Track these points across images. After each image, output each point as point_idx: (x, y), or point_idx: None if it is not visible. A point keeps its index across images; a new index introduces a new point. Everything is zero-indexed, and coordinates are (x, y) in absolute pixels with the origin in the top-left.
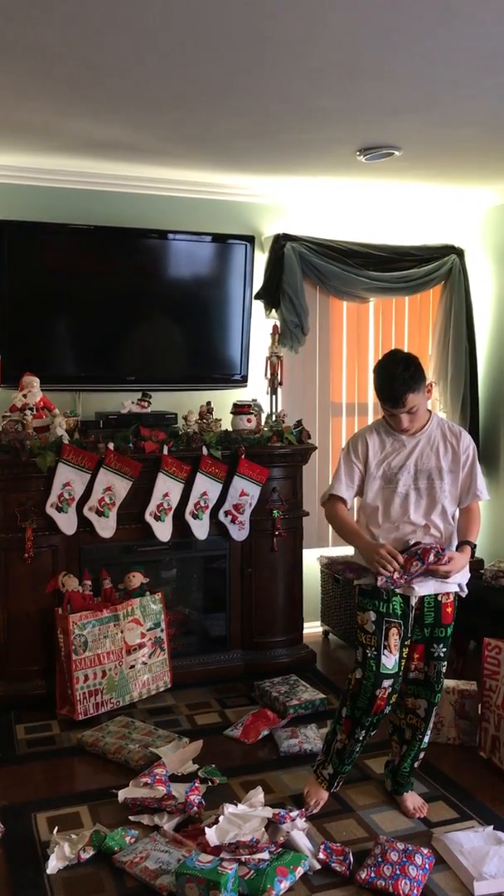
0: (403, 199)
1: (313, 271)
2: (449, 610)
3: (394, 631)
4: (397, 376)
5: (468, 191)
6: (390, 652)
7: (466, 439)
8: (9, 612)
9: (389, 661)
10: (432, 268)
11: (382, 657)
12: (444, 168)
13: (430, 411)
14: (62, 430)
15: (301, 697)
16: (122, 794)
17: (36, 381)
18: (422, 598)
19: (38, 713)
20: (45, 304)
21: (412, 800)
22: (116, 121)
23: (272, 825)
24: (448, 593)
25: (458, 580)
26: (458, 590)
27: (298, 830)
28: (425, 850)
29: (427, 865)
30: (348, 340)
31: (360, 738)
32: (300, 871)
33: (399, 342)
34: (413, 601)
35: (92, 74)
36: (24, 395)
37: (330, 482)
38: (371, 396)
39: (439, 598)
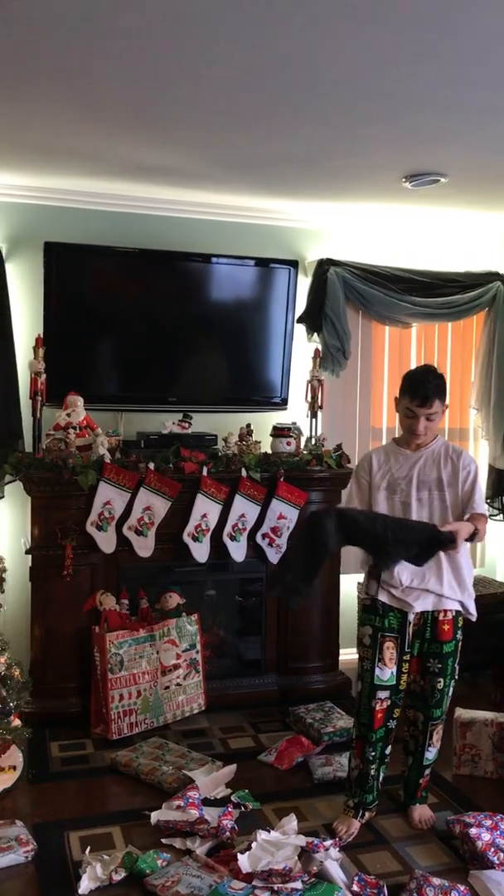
0: (448, 224)
1: (356, 296)
2: (446, 627)
3: (389, 645)
4: (430, 380)
5: None
6: (385, 665)
7: (468, 458)
8: (46, 629)
9: (384, 673)
10: (476, 294)
11: (377, 669)
12: (489, 195)
13: (437, 435)
14: (104, 449)
15: (336, 725)
16: (155, 816)
17: (80, 401)
18: (422, 614)
19: (72, 731)
20: (90, 325)
21: (420, 812)
22: (163, 146)
23: (305, 854)
24: (447, 611)
25: (462, 600)
26: (459, 608)
27: (332, 860)
28: (462, 888)
29: None
30: (390, 365)
31: (371, 759)
32: None
33: (441, 368)
34: (411, 616)
35: (140, 101)
36: (68, 414)
37: (344, 503)
38: None
39: (437, 614)
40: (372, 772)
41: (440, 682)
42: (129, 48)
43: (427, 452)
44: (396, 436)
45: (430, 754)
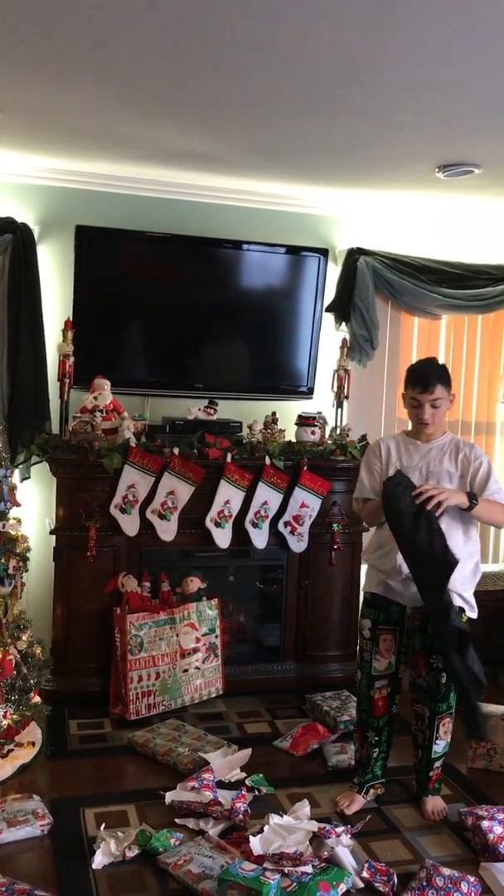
0: (480, 216)
1: (385, 286)
2: None
3: (385, 637)
4: (432, 366)
5: None
6: (381, 656)
7: (479, 451)
8: (68, 609)
9: (381, 664)
10: None
11: (374, 661)
12: None
13: (446, 431)
14: (130, 432)
15: (352, 713)
16: (170, 797)
17: (107, 384)
18: (423, 609)
19: (91, 710)
20: (118, 309)
21: (432, 803)
22: (198, 132)
23: (317, 839)
24: None
25: (461, 592)
26: (461, 603)
27: (343, 847)
28: (472, 879)
29: (473, 894)
30: (418, 356)
31: (374, 743)
32: (343, 888)
33: (470, 361)
34: (408, 611)
35: (177, 86)
36: (95, 398)
37: (356, 490)
38: None
39: None
40: (374, 754)
41: (444, 676)
42: (166, 35)
43: (437, 445)
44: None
45: (438, 747)
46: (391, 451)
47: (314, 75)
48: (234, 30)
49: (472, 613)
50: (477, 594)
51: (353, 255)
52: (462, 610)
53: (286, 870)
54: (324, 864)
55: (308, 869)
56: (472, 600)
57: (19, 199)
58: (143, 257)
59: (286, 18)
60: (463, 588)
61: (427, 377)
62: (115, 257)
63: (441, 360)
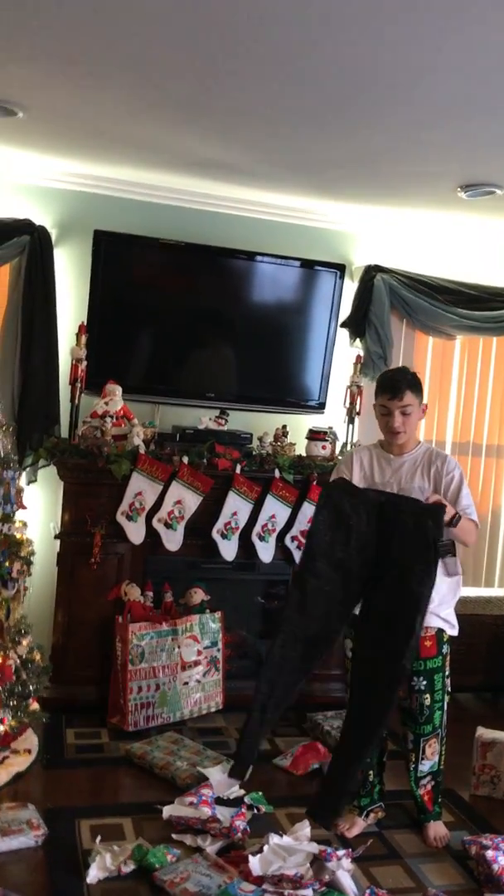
0: (500, 237)
1: (401, 304)
2: (428, 644)
3: None
4: (402, 373)
5: None
6: None
7: (452, 463)
8: (70, 616)
9: None
10: None
11: None
12: None
13: (419, 441)
14: (139, 439)
15: None
16: (167, 811)
17: (118, 390)
18: None
19: (89, 719)
20: (133, 315)
21: (434, 829)
22: (221, 141)
23: (317, 861)
24: (428, 627)
25: (439, 613)
26: (441, 625)
27: (344, 871)
28: None
29: None
30: (431, 376)
31: (367, 765)
32: None
33: (484, 382)
34: None
35: (204, 94)
36: (106, 403)
37: None
38: (450, 434)
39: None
40: (370, 777)
41: (427, 698)
42: (195, 42)
43: (409, 458)
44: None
45: (425, 766)
46: (364, 466)
47: (339, 88)
48: (259, 42)
49: (452, 631)
50: (473, 618)
51: (370, 271)
52: (442, 631)
53: (286, 892)
54: (324, 889)
55: (308, 893)
56: (453, 619)
57: (38, 202)
58: (158, 265)
59: (312, 30)
60: (440, 609)
61: (397, 383)
62: (132, 263)
63: (454, 381)
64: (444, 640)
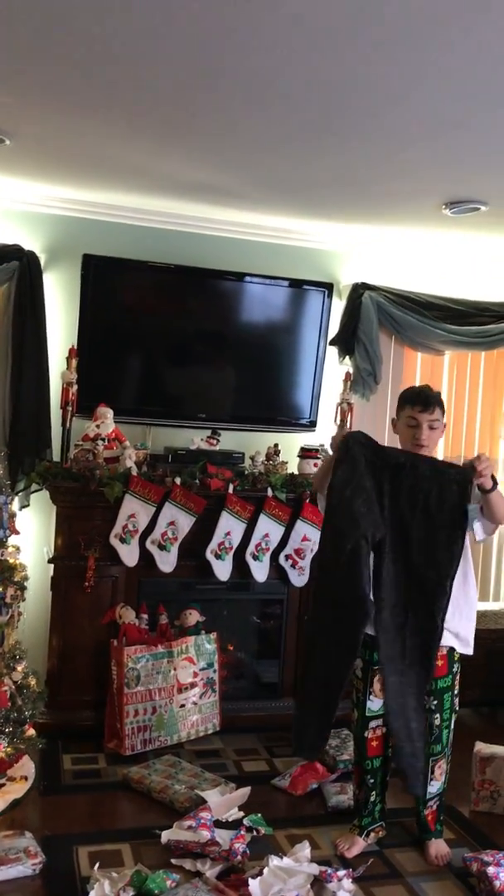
0: (485, 253)
1: (389, 321)
2: (440, 663)
3: (379, 677)
4: (431, 390)
5: None
6: (375, 696)
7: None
8: (64, 640)
9: (375, 703)
10: None
11: (368, 701)
12: None
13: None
14: (131, 461)
15: (351, 752)
16: (166, 836)
17: (110, 413)
18: None
19: (85, 744)
20: (123, 338)
21: (436, 847)
22: (206, 164)
23: (318, 883)
24: (440, 646)
25: (459, 632)
26: (452, 643)
27: (345, 892)
28: None
29: None
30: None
31: (371, 786)
32: None
33: (473, 396)
34: None
35: (188, 117)
36: (98, 426)
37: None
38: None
39: None
40: (372, 797)
41: (437, 718)
42: (178, 64)
43: None
44: None
45: (433, 788)
46: None
47: (316, 108)
48: (242, 62)
49: (464, 649)
50: (476, 632)
51: (358, 289)
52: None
53: None
54: None
55: None
56: (465, 633)
57: (27, 227)
58: (147, 287)
59: (292, 54)
60: (451, 622)
61: (428, 397)
62: (121, 286)
63: (444, 396)
64: (456, 658)
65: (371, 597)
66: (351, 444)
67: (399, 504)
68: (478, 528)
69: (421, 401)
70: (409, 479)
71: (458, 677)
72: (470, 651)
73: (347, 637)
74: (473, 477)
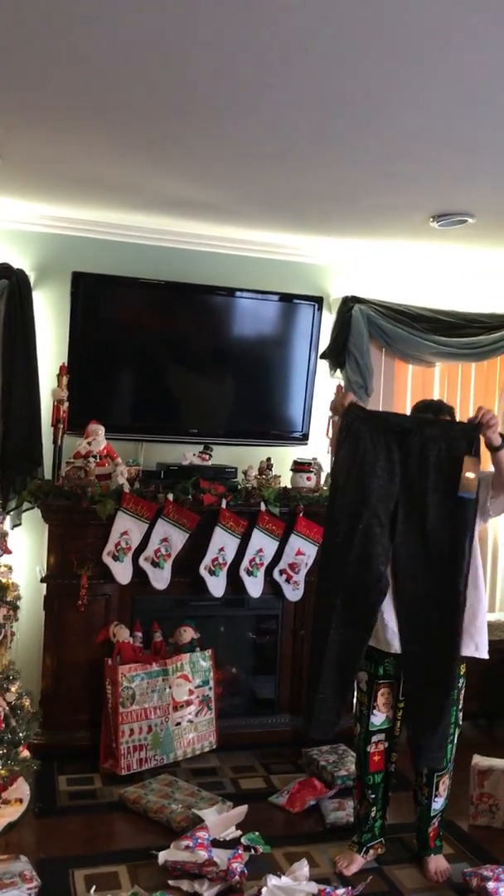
0: (473, 264)
1: (380, 334)
2: None
3: (383, 691)
4: (442, 402)
5: None
6: (378, 710)
7: None
8: (58, 660)
9: (378, 718)
10: (500, 335)
11: (371, 715)
12: None
13: None
14: (123, 478)
15: (350, 768)
16: (163, 857)
17: (101, 430)
18: None
19: (81, 765)
20: (113, 355)
21: (435, 863)
22: (196, 180)
23: None
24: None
25: (475, 638)
26: (472, 652)
27: None
28: None
29: None
30: (412, 403)
31: (372, 801)
32: None
33: (464, 408)
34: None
35: (179, 135)
36: (89, 443)
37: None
38: None
39: None
40: (373, 813)
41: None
42: (169, 84)
43: None
44: None
45: (437, 804)
46: None
47: (307, 123)
48: (228, 78)
49: (478, 653)
50: None
51: (348, 303)
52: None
53: None
54: None
55: None
56: (477, 637)
57: (16, 245)
58: (137, 304)
59: (282, 69)
60: (472, 627)
61: (440, 409)
62: (111, 303)
63: None
64: (462, 672)
65: (388, 573)
66: (350, 421)
67: (409, 468)
68: (492, 504)
69: (434, 410)
70: (417, 442)
71: (462, 692)
72: (485, 655)
73: (362, 618)
74: (480, 431)
